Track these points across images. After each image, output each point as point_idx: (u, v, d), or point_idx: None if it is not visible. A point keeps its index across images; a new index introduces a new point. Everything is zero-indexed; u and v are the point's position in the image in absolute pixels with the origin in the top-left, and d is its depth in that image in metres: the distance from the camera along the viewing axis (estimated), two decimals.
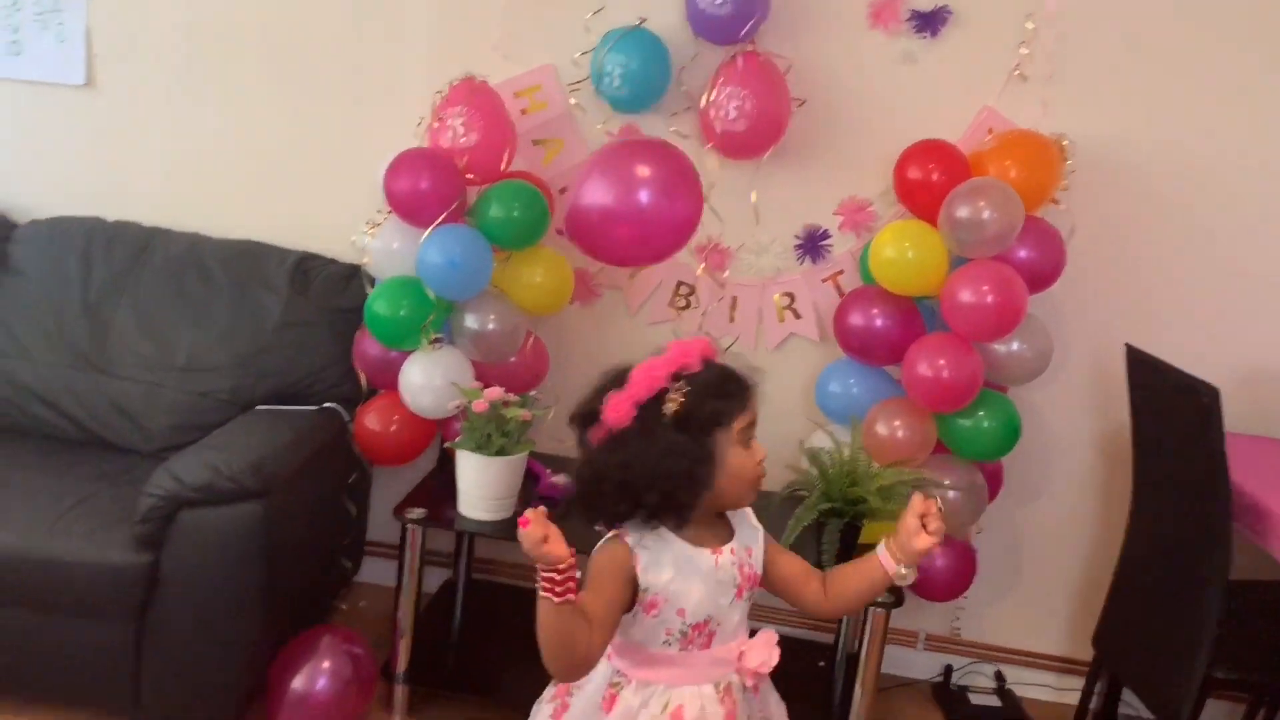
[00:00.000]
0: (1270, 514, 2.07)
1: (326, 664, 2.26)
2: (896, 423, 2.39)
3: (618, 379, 1.52)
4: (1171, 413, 2.17)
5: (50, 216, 2.78)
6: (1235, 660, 2.09)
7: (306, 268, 2.68)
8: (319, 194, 2.79)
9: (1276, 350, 2.58)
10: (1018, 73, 2.48)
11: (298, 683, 2.24)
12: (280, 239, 2.75)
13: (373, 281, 2.56)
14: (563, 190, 2.69)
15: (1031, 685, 2.81)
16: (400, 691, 2.42)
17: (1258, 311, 2.56)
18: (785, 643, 2.70)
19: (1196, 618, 2.08)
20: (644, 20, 2.52)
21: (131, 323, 2.60)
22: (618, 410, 1.48)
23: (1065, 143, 2.43)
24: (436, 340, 2.47)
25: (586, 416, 1.53)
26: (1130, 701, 2.63)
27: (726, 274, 2.71)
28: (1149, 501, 2.33)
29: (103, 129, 2.84)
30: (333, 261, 2.71)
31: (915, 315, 2.45)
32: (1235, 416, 2.06)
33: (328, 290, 2.65)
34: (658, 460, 1.46)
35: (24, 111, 2.85)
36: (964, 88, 2.52)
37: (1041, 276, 2.39)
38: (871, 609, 2.23)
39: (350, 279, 2.65)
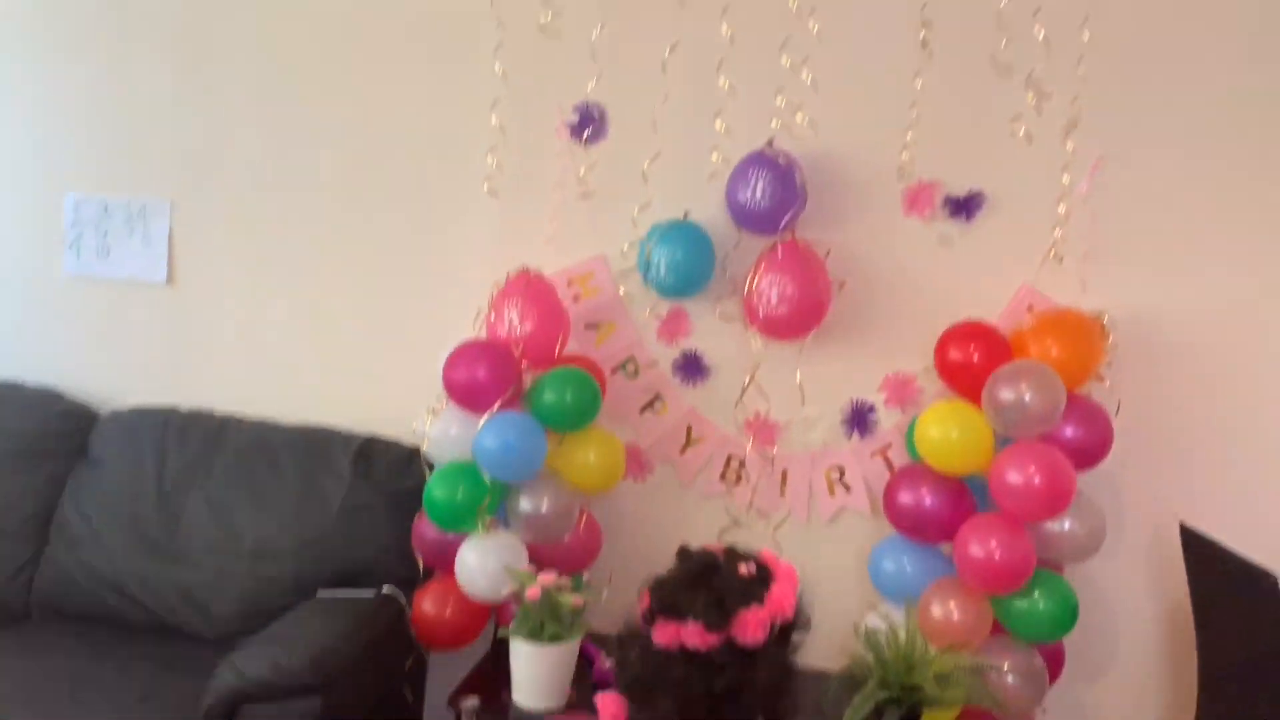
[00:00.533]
0: None
1: None
2: (951, 604, 2.37)
3: (723, 588, 1.60)
4: (1230, 595, 2.13)
5: (130, 406, 2.94)
6: None
7: (370, 451, 2.78)
8: (384, 380, 2.91)
9: None
10: (1054, 253, 2.54)
11: None
12: (347, 422, 2.87)
13: (431, 466, 2.64)
14: (614, 370, 2.79)
15: None
16: None
17: None
18: None
19: None
20: (688, 213, 2.65)
21: (203, 511, 2.71)
22: (759, 630, 1.56)
23: (1106, 319, 2.46)
24: (492, 523, 2.54)
25: (704, 619, 1.57)
26: None
27: (776, 449, 2.75)
28: (1217, 683, 2.26)
29: (181, 322, 3.02)
30: (395, 444, 2.81)
31: (965, 493, 2.46)
32: None
33: (389, 474, 2.74)
34: (790, 670, 1.61)
35: (110, 308, 3.06)
36: (1001, 267, 2.58)
37: (1089, 453, 2.39)
38: None
39: (411, 462, 2.74)
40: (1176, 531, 2.32)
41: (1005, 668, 2.33)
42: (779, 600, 1.58)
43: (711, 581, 1.59)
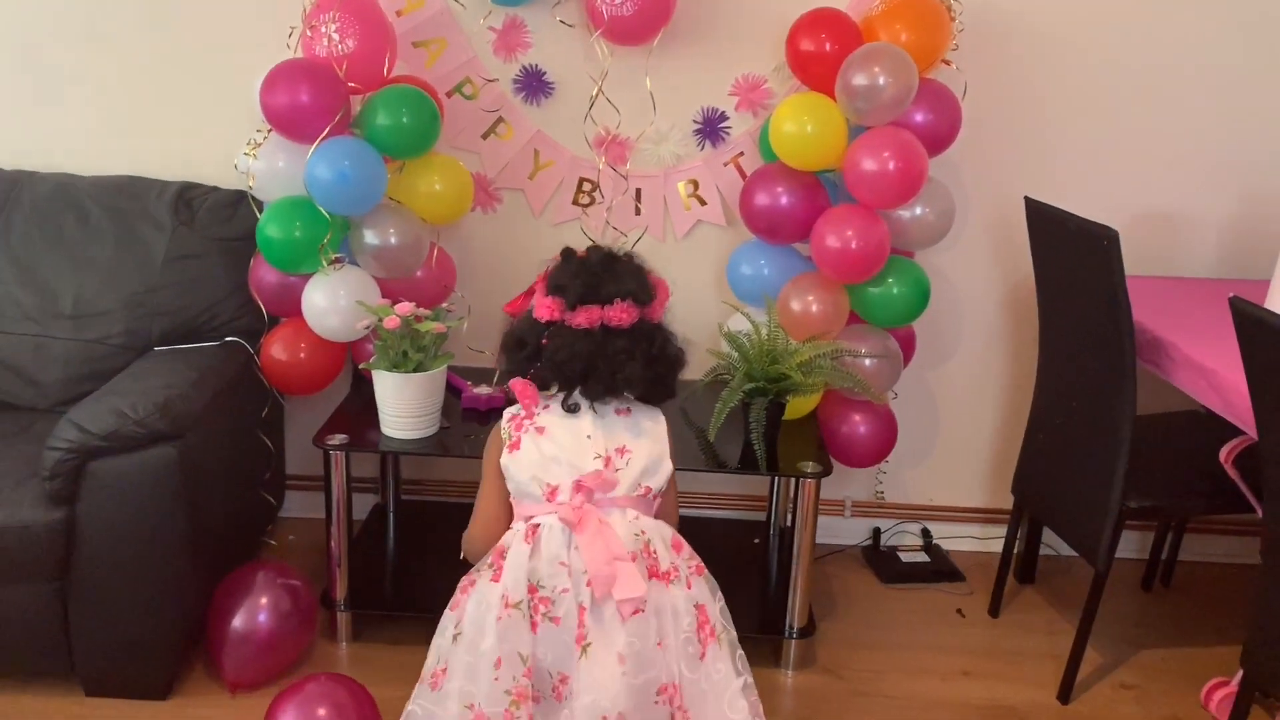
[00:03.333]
0: (1170, 347, 2.16)
1: (264, 599, 2.22)
2: (810, 297, 2.40)
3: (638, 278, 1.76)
4: (1072, 259, 2.22)
5: None
6: (1145, 490, 2.20)
7: (189, 198, 2.54)
8: (192, 119, 2.64)
9: (1164, 193, 2.66)
10: None
11: (238, 622, 2.20)
12: (156, 171, 2.61)
13: (261, 205, 2.45)
14: (449, 93, 2.60)
15: (957, 538, 2.92)
16: (342, 619, 2.40)
17: (1145, 157, 2.63)
18: (718, 524, 2.80)
19: (1109, 454, 2.17)
20: None
21: (9, 273, 2.44)
22: (661, 308, 1.80)
23: (953, 2, 2.42)
24: (337, 260, 2.39)
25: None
26: (1050, 543, 2.76)
27: (628, 166, 2.66)
28: (1057, 347, 2.41)
29: None
30: (216, 189, 2.58)
31: (819, 189, 2.45)
32: (1131, 259, 2.12)
33: (214, 219, 2.52)
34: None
35: None
36: None
37: (939, 138, 2.40)
38: (803, 480, 2.26)
39: (237, 205, 2.53)
40: (1020, 210, 2.39)
41: (863, 352, 2.41)
42: (664, 285, 1.81)
43: (621, 268, 1.76)
